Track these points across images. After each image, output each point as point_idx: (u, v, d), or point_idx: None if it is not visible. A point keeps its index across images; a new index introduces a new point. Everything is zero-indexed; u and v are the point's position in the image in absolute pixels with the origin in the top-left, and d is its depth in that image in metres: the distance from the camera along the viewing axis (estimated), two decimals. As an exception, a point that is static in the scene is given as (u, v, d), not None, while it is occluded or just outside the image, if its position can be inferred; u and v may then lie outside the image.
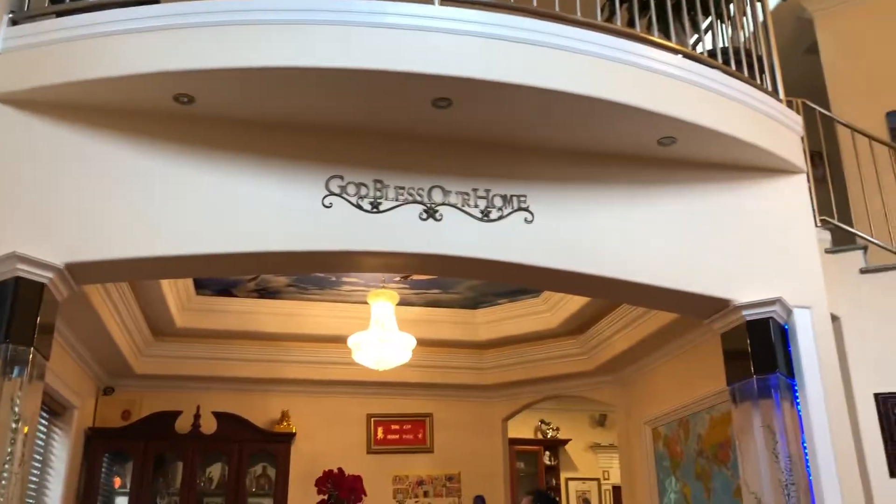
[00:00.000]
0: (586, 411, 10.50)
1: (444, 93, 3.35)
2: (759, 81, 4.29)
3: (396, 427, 7.50)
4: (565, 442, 10.59)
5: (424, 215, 3.66)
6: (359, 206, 3.58)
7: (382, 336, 5.85)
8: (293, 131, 3.62)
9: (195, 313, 6.65)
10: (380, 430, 7.46)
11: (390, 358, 5.86)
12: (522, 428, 10.00)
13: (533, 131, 3.75)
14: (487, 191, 3.78)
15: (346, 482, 5.94)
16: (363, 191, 3.61)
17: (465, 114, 3.53)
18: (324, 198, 3.55)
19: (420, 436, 7.53)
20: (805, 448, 3.77)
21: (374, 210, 3.60)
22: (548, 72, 3.37)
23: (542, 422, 10.54)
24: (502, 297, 6.90)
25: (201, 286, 6.52)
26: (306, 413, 7.25)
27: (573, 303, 6.31)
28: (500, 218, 3.76)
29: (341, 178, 3.60)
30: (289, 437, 7.05)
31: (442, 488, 7.41)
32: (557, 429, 10.59)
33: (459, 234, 3.68)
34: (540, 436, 10.55)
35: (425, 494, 7.39)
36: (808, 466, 3.73)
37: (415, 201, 3.66)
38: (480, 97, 3.40)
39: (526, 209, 3.80)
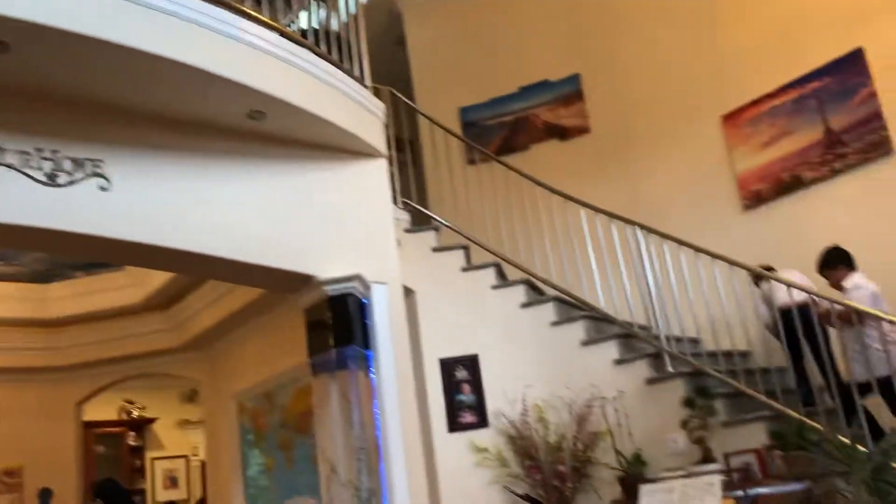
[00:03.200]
0: (175, 388, 10.16)
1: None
2: (349, 67, 4.46)
3: (-59, 421, 6.45)
4: (152, 420, 10.15)
5: (-27, 177, 3.13)
6: None
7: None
8: None
9: None
10: (-81, 427, 6.35)
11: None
12: (105, 408, 9.34)
13: (111, 91, 3.44)
14: (55, 151, 3.38)
15: None
16: None
17: (27, 62, 3.11)
18: None
19: (-28, 429, 6.57)
20: (377, 413, 4.05)
21: None
22: (126, 28, 3.10)
23: (127, 401, 9.95)
24: (78, 269, 6.32)
25: None
26: None
27: (159, 277, 6.02)
28: (71, 183, 3.39)
29: None
30: None
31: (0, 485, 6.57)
32: (144, 407, 10.10)
33: (19, 199, 3.25)
34: (125, 416, 9.95)
35: (-23, 495, 6.50)
36: (378, 430, 4.02)
37: (-40, 159, 3.12)
38: (44, 44, 3.00)
39: (101, 175, 3.48)
